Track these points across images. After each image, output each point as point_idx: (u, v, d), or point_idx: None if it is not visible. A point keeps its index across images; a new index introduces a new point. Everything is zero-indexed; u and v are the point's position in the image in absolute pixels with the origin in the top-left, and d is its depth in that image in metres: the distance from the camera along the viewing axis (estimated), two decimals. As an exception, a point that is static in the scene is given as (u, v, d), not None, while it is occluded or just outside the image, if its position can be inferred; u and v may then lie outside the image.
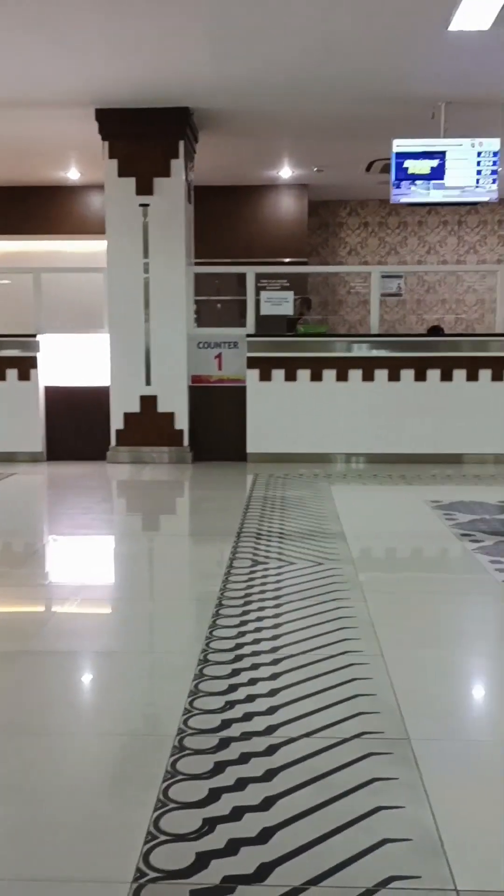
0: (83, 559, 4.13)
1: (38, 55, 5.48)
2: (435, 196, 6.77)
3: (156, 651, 2.82)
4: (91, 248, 8.98)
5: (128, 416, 7.02)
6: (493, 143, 6.64)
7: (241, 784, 1.81)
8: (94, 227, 8.92)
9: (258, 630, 2.82)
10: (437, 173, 6.68)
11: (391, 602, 3.23)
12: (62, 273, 8.28)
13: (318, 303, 10.71)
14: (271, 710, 2.18)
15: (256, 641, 2.71)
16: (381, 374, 6.83)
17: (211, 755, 1.94)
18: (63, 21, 4.92)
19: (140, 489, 6.27)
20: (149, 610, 3.27)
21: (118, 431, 7.03)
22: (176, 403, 7.00)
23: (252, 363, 6.89)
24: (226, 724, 2.11)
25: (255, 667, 2.49)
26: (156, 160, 6.74)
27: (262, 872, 1.50)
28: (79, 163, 8.62)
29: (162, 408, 7.00)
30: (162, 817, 1.68)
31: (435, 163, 6.67)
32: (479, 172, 6.67)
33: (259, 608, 3.06)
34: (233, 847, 1.58)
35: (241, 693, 2.30)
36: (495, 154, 6.65)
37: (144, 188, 6.78)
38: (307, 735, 2.04)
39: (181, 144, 6.74)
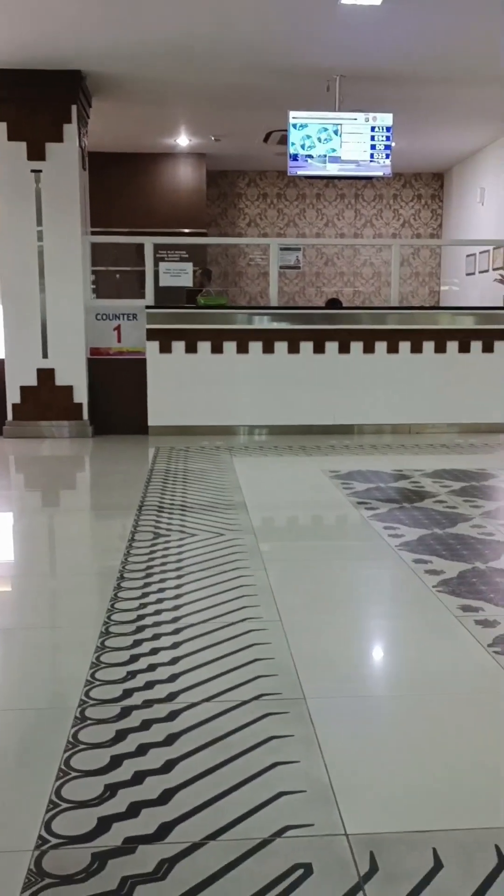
0: (-20, 537, 4.04)
1: None
2: (331, 170, 6.87)
3: (57, 626, 2.82)
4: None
5: (24, 390, 6.86)
6: (386, 119, 6.78)
7: (142, 750, 1.85)
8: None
9: (160, 601, 2.86)
10: (334, 147, 6.77)
11: (290, 569, 3.33)
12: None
13: (218, 274, 10.70)
14: (172, 678, 2.23)
15: (158, 612, 2.75)
16: (281, 347, 6.93)
17: (113, 724, 1.97)
18: None
19: (39, 464, 6.16)
20: (49, 586, 3.25)
21: (14, 405, 6.87)
22: (74, 376, 6.89)
23: (152, 335, 6.84)
24: (127, 693, 2.14)
25: (156, 637, 2.53)
26: (47, 125, 6.54)
27: (163, 831, 1.56)
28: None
29: (60, 381, 6.88)
30: (64, 786, 1.71)
31: (331, 136, 6.75)
32: (373, 147, 6.81)
33: (161, 580, 3.09)
34: (134, 810, 1.62)
35: (142, 663, 2.33)
36: (388, 129, 6.79)
37: (36, 153, 6.58)
38: (207, 700, 2.10)
39: (73, 109, 6.56)
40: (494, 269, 8.61)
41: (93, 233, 7.43)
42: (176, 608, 2.78)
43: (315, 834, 1.55)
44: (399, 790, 1.72)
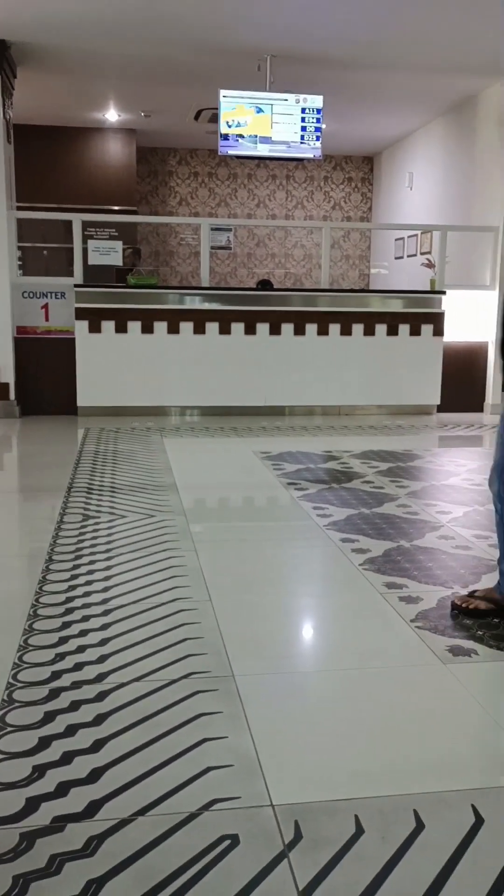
0: None
1: None
2: (262, 150, 6.87)
3: (-17, 610, 2.78)
4: None
5: None
6: (316, 100, 6.80)
7: (71, 730, 1.86)
8: None
9: (89, 583, 2.85)
10: (264, 127, 6.76)
11: (221, 550, 3.36)
12: None
13: (149, 253, 10.58)
14: (102, 659, 2.24)
15: (87, 594, 2.74)
16: (213, 328, 6.92)
17: (41, 706, 1.97)
18: None
19: (-36, 446, 6.02)
20: (-25, 569, 3.20)
21: None
22: (0, 356, 6.73)
23: (81, 314, 6.74)
24: (56, 675, 2.14)
25: (85, 618, 2.53)
26: (-29, 95, 6.33)
27: (92, 809, 1.57)
28: None
29: (-14, 360, 6.72)
30: (-9, 770, 1.70)
31: (263, 116, 6.74)
32: (303, 129, 6.83)
33: (90, 562, 3.08)
34: (62, 789, 1.63)
35: (71, 644, 2.33)
36: (319, 111, 6.82)
37: (-41, 125, 6.36)
38: (137, 679, 2.11)
39: (-2, 79, 6.37)
40: (422, 254, 8.77)
41: (18, 208, 7.25)
42: (105, 590, 2.78)
43: (242, 806, 1.59)
44: (324, 761, 1.78)
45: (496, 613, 2.55)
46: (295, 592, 2.95)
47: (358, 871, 1.42)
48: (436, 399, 7.34)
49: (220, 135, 6.75)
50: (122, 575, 2.93)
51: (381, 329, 7.14)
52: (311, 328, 7.05)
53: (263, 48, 6.39)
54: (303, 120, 6.81)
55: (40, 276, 7.53)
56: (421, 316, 7.22)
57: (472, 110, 7.83)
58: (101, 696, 2.02)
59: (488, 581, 2.90)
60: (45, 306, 6.83)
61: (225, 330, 6.93)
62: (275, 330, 7.00)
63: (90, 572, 2.96)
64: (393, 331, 7.17)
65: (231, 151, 6.85)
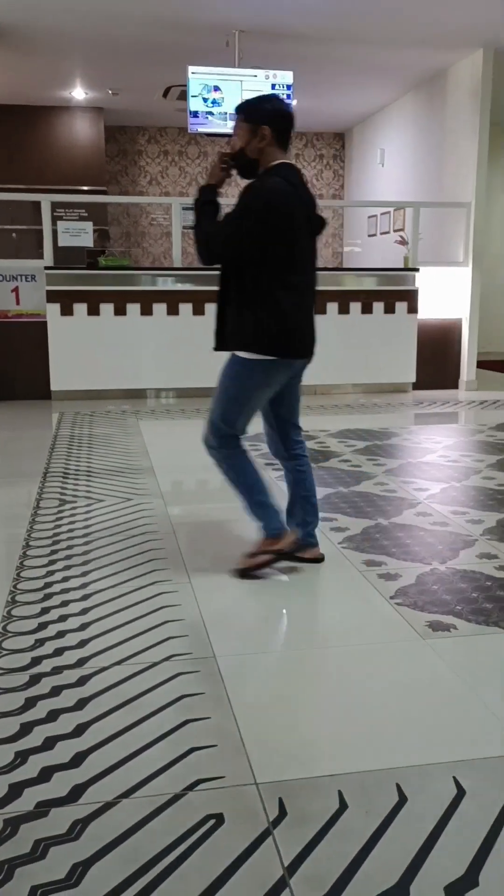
0: None
1: None
2: (232, 127, 6.77)
3: (-39, 597, 2.75)
4: None
5: None
6: (286, 76, 6.72)
7: (52, 716, 1.85)
8: None
9: (67, 568, 2.83)
10: (234, 104, 6.67)
11: (199, 532, 3.35)
12: None
13: (120, 234, 10.46)
14: (82, 644, 2.23)
15: (66, 579, 2.72)
16: (186, 308, 6.86)
17: (22, 692, 1.96)
18: None
19: None
20: (-48, 557, 3.17)
21: None
22: (-28, 341, 6.63)
23: (52, 297, 6.65)
24: (36, 661, 2.13)
25: (64, 603, 2.51)
26: None
27: (76, 794, 1.57)
28: None
29: (-43, 345, 6.62)
30: (-27, 757, 1.69)
31: (232, 93, 6.66)
32: (274, 106, 6.74)
33: (68, 546, 3.06)
34: (46, 774, 1.63)
35: (51, 630, 2.32)
36: (289, 87, 6.75)
37: None
38: (118, 663, 2.11)
39: (-39, 57, 6.21)
40: (395, 231, 8.76)
41: (-14, 189, 7.11)
42: (84, 574, 2.77)
43: (226, 785, 1.60)
44: (307, 739, 1.79)
45: (278, 559, 2.75)
46: (274, 572, 2.95)
47: (343, 846, 1.43)
48: (411, 377, 7.36)
49: (190, 112, 6.66)
50: (100, 559, 2.92)
51: (355, 307, 7.13)
52: (286, 307, 7.00)
53: (231, 23, 6.29)
54: (273, 96, 6.73)
55: (10, 259, 7.41)
56: (395, 294, 7.21)
57: (442, 85, 7.80)
58: (82, 681, 2.01)
59: (465, 556, 2.93)
60: (16, 289, 6.73)
61: (199, 311, 6.88)
62: (249, 310, 6.94)
63: (68, 557, 2.94)
64: (367, 309, 7.16)
65: (201, 129, 6.76)
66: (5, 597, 2.56)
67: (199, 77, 6.59)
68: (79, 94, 8.72)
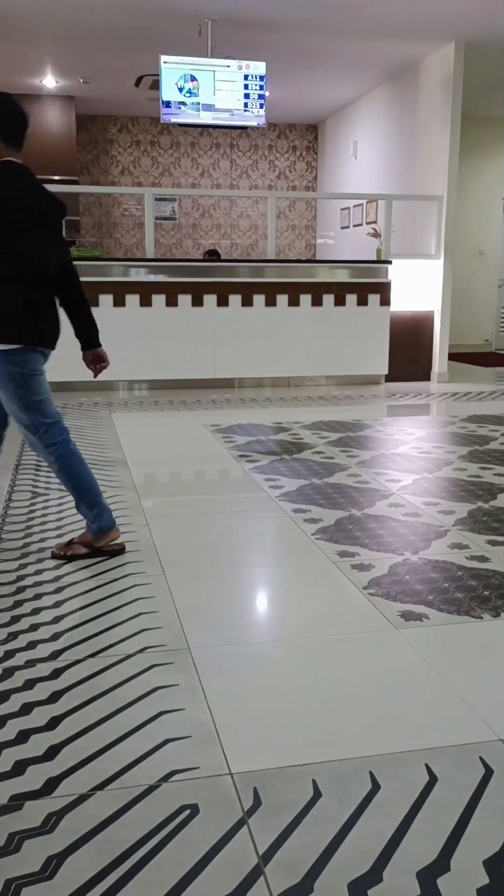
0: None
1: None
2: (205, 118, 6.75)
3: None
4: None
5: None
6: (259, 67, 6.71)
7: (26, 709, 1.84)
8: None
9: (40, 561, 2.82)
10: (207, 94, 6.65)
11: (173, 524, 3.35)
12: None
13: (92, 224, 10.37)
14: (55, 637, 2.22)
15: (39, 572, 2.71)
16: (159, 300, 6.83)
17: (-6, 686, 1.95)
18: None
19: None
20: None
21: None
22: None
23: (24, 288, 6.57)
24: (9, 654, 2.11)
25: (37, 596, 2.50)
26: None
27: (50, 786, 1.57)
28: None
29: None
30: None
31: (205, 83, 6.62)
32: (247, 96, 6.73)
33: (41, 539, 3.04)
34: (19, 768, 1.62)
35: (24, 623, 2.30)
36: (262, 78, 6.73)
37: None
38: (92, 655, 2.10)
39: None
40: (368, 223, 8.79)
41: (-45, 178, 7.00)
42: (57, 566, 2.75)
43: (200, 776, 1.60)
44: (281, 729, 1.80)
45: (92, 554, 2.82)
46: (248, 563, 2.96)
47: (317, 833, 1.44)
48: (383, 369, 7.40)
49: (162, 102, 6.61)
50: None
51: (328, 299, 7.15)
52: (259, 299, 7.02)
53: (204, 12, 6.26)
54: (245, 87, 6.72)
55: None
56: (368, 286, 7.24)
57: (414, 77, 7.82)
58: (56, 674, 2.01)
59: (437, 547, 2.96)
60: (-14, 280, 6.64)
61: (172, 302, 6.85)
62: (222, 301, 6.95)
63: (41, 550, 2.92)
64: (340, 301, 7.18)
65: (173, 119, 6.72)
66: (-23, 590, 2.54)
67: (171, 66, 6.54)
68: (49, 82, 8.62)
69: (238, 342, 7.01)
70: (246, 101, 6.74)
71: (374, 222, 8.29)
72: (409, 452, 4.56)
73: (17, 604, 2.44)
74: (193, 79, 6.58)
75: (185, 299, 6.87)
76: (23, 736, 1.74)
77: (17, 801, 1.52)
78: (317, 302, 7.13)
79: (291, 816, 1.49)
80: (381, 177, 8.77)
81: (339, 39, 7.03)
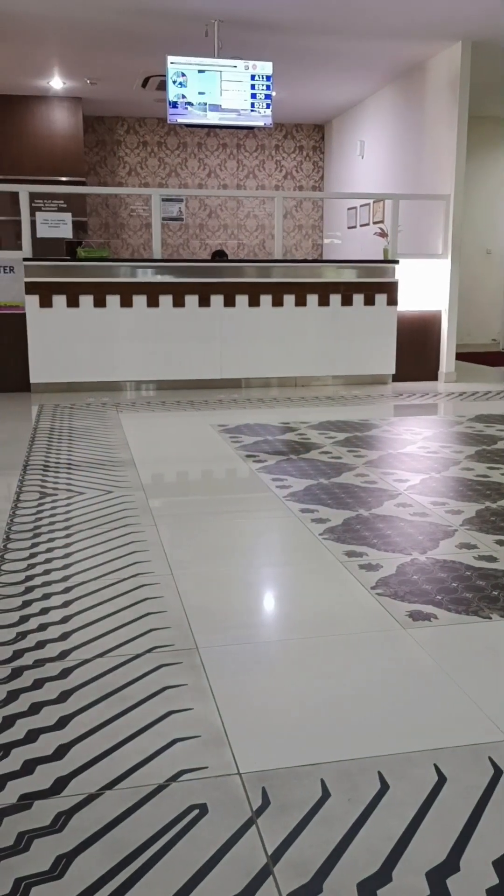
0: None
1: None
2: (212, 118, 6.76)
3: None
4: None
5: None
6: (266, 67, 6.71)
7: (35, 708, 1.85)
8: None
9: (49, 560, 2.82)
10: (214, 95, 6.65)
11: (181, 524, 3.35)
12: None
13: (99, 225, 10.39)
14: (64, 636, 2.22)
15: (47, 572, 2.71)
16: (166, 300, 6.84)
17: (4, 685, 1.95)
18: None
19: None
20: None
21: None
22: (-51, 333, 6.57)
23: (31, 288, 6.60)
24: (18, 654, 2.12)
25: (46, 596, 2.51)
26: None
27: (59, 786, 1.57)
28: None
29: None
30: (-45, 751, 1.68)
31: (212, 84, 6.62)
32: (253, 96, 6.73)
33: (49, 539, 3.05)
34: (28, 767, 1.63)
35: (32, 623, 2.31)
36: (268, 78, 6.73)
37: None
38: (100, 655, 2.11)
39: None
40: (375, 223, 8.77)
41: (-37, 180, 7.03)
42: (66, 567, 2.76)
43: (209, 776, 1.60)
44: (289, 728, 1.80)
45: None
46: (256, 563, 2.96)
47: (326, 833, 1.44)
48: (391, 368, 7.39)
49: (169, 102, 6.62)
50: (82, 552, 2.91)
51: (335, 299, 7.14)
52: (266, 299, 7.02)
53: (210, 13, 6.26)
54: (252, 87, 6.72)
55: (-13, 250, 7.34)
56: (375, 285, 7.23)
57: (421, 77, 7.81)
58: (64, 674, 2.01)
59: (445, 547, 2.96)
60: (-6, 281, 6.66)
61: (179, 302, 6.86)
62: (229, 301, 6.95)
63: (49, 550, 2.93)
64: (347, 301, 7.17)
65: (180, 119, 6.72)
66: (-14, 590, 2.55)
67: (178, 67, 6.55)
68: (57, 83, 8.64)
69: (245, 342, 7.02)
70: (253, 101, 6.74)
71: (381, 222, 8.27)
72: (417, 452, 4.55)
73: (26, 604, 2.45)
74: (183, 74, 6.56)
75: (192, 300, 6.88)
76: (32, 735, 1.74)
77: (26, 801, 1.53)
78: (324, 302, 7.12)
79: (300, 816, 1.49)
80: (388, 176, 8.76)
81: (346, 39, 7.02)
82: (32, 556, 2.87)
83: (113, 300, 6.74)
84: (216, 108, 6.69)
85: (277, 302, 7.04)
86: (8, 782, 1.58)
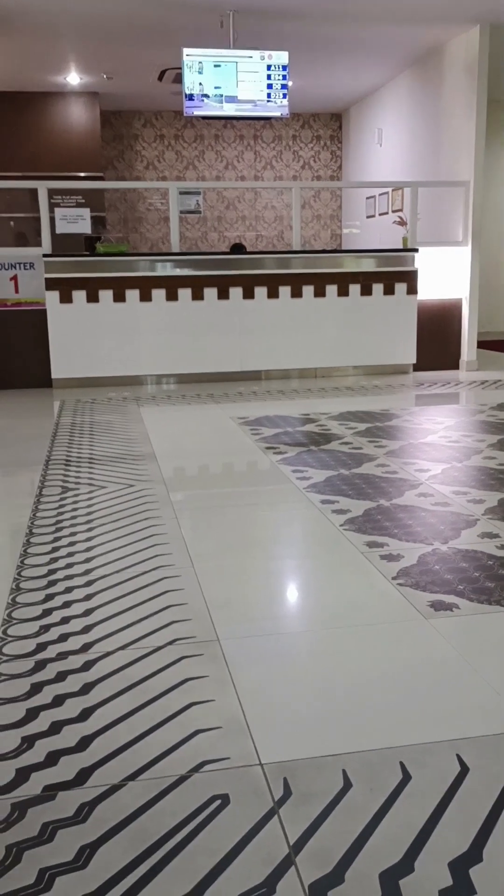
0: None
1: None
2: (228, 110, 6.73)
3: (-35, 586, 2.77)
4: None
5: None
6: (281, 57, 6.67)
7: (58, 700, 1.86)
8: None
9: (71, 555, 2.84)
10: (230, 86, 6.63)
11: (202, 517, 3.36)
12: None
13: (118, 220, 10.42)
14: (87, 629, 2.24)
15: (69, 566, 2.74)
16: (185, 294, 6.85)
17: (27, 678, 1.97)
18: None
19: None
20: (-45, 546, 3.18)
21: None
22: (-29, 330, 6.63)
23: (51, 285, 6.64)
24: (41, 647, 2.14)
25: (68, 590, 2.53)
26: None
27: (82, 777, 1.58)
28: None
29: (-44, 335, 6.62)
30: (-20, 743, 1.71)
31: (228, 75, 6.60)
32: (269, 87, 6.70)
33: (71, 533, 3.07)
34: (52, 758, 1.64)
35: (55, 616, 2.33)
36: (284, 68, 6.69)
37: None
38: (122, 648, 2.12)
39: (-47, 44, 6.16)
40: (394, 212, 8.71)
41: (-18, 177, 7.08)
42: (87, 560, 2.78)
43: (231, 766, 1.61)
44: (310, 719, 1.80)
45: None
46: (277, 555, 2.96)
47: (348, 823, 1.44)
48: (411, 358, 7.35)
49: (185, 95, 6.61)
50: (103, 545, 2.93)
51: (354, 289, 7.11)
52: (285, 291, 7.00)
53: (225, 3, 6.23)
54: (268, 77, 6.68)
55: (8, 248, 7.39)
56: (394, 275, 7.18)
57: (439, 62, 7.72)
58: (87, 666, 2.03)
59: (467, 536, 2.94)
60: (14, 278, 6.71)
61: (198, 295, 6.86)
62: (248, 294, 6.94)
63: (71, 544, 2.95)
64: (367, 290, 7.13)
65: (196, 112, 6.71)
66: (10, 584, 2.58)
67: (193, 59, 6.53)
68: (73, 78, 8.66)
69: (264, 334, 7.00)
70: (269, 91, 6.71)
71: (400, 210, 8.21)
72: (438, 442, 4.52)
73: (49, 597, 2.47)
74: (201, 62, 6.54)
75: (210, 292, 6.88)
76: (56, 727, 1.76)
77: (50, 792, 1.54)
78: (343, 292, 7.09)
79: (322, 806, 1.49)
80: (407, 164, 8.68)
81: (362, 25, 6.96)
82: (55, 549, 2.90)
83: (132, 294, 6.76)
84: (232, 99, 6.66)
85: (296, 293, 7.02)
86: (32, 773, 1.60)
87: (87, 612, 2.35)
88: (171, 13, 6.46)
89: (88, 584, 2.57)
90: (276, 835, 1.42)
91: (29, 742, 1.70)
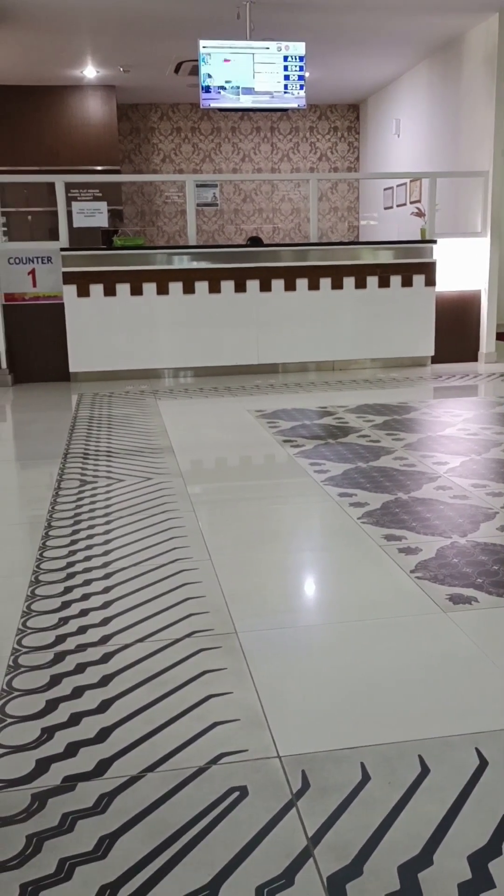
0: None
1: None
2: (245, 101, 6.71)
3: (-15, 578, 2.79)
4: None
5: None
6: (298, 48, 6.63)
7: (77, 692, 1.88)
8: None
9: (89, 547, 2.86)
10: (246, 78, 6.60)
11: (219, 510, 3.37)
12: None
13: (135, 213, 10.42)
14: (105, 622, 2.25)
15: (88, 558, 2.75)
16: (202, 287, 6.84)
17: (47, 669, 1.99)
18: None
19: (-42, 416, 5.99)
20: (-25, 538, 3.20)
21: None
22: (-10, 324, 6.67)
23: (68, 278, 6.66)
24: (60, 639, 2.15)
25: (87, 582, 2.54)
26: None
27: (101, 768, 1.59)
28: None
29: (-25, 329, 6.65)
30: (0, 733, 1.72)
31: (244, 66, 6.57)
32: (286, 78, 6.67)
33: (89, 526, 3.09)
34: (72, 750, 1.65)
35: (74, 609, 2.34)
36: (301, 59, 6.65)
37: None
38: (141, 640, 2.13)
39: (-29, 38, 6.18)
40: (412, 203, 8.64)
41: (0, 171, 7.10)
42: (106, 553, 2.79)
43: (249, 758, 1.62)
44: (328, 712, 1.80)
45: None
46: (294, 548, 2.96)
47: (366, 816, 1.44)
48: (429, 350, 7.30)
49: (202, 87, 6.59)
50: (122, 538, 2.94)
51: (372, 281, 7.07)
52: (302, 283, 6.98)
53: (242, -6, 6.21)
54: (285, 69, 6.65)
55: (26, 242, 7.42)
56: (412, 266, 7.13)
57: (457, 52, 7.65)
58: (105, 658, 2.04)
59: (486, 529, 2.92)
60: (32, 272, 6.74)
61: (215, 288, 6.86)
62: (265, 286, 6.92)
63: (90, 537, 2.97)
64: (384, 282, 7.09)
65: (213, 104, 6.69)
66: (29, 577, 2.59)
67: (210, 50, 6.51)
68: (90, 72, 8.66)
69: (281, 327, 6.99)
70: (286, 82, 6.67)
71: (418, 201, 8.15)
72: (457, 434, 4.49)
73: (68, 590, 2.49)
74: (222, 56, 6.52)
75: (227, 285, 6.87)
76: (75, 718, 1.77)
77: (70, 783, 1.55)
78: (360, 284, 7.06)
79: (340, 799, 1.49)
80: (425, 154, 8.61)
81: (380, 15, 6.90)
82: (73, 542, 2.91)
83: (149, 288, 6.76)
84: (249, 91, 6.64)
85: (314, 286, 6.99)
86: (52, 764, 1.61)
87: (106, 605, 2.36)
88: (187, 5, 6.44)
89: (107, 576, 2.58)
90: (295, 827, 1.42)
91: (49, 733, 1.72)
